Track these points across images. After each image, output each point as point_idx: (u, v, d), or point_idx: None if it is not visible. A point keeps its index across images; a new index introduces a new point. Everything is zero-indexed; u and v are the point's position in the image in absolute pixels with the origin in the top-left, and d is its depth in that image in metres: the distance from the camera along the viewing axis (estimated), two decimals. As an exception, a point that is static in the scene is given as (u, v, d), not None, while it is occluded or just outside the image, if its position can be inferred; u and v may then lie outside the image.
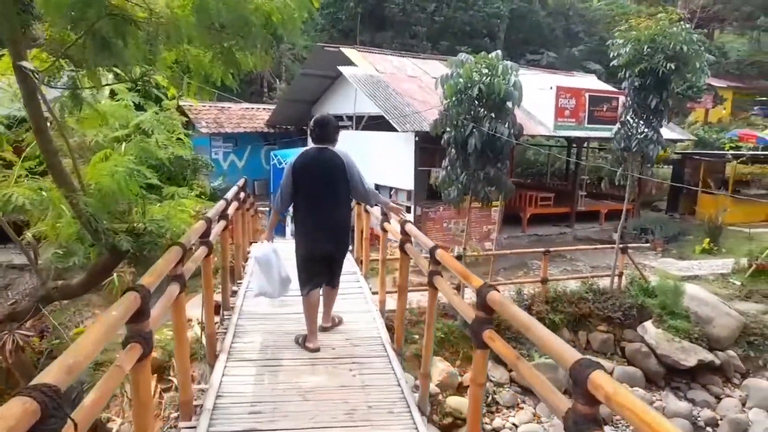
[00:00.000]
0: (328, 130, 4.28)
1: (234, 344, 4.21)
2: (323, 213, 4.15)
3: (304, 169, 4.13)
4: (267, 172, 17.54)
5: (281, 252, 4.64)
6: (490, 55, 9.01)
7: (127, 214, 4.11)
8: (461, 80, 8.98)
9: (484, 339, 2.41)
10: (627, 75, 10.50)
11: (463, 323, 10.07)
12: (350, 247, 5.62)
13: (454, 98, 9.23)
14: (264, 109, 19.48)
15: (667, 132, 14.96)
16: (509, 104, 9.18)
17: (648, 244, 15.57)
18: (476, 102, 9.12)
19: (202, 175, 15.62)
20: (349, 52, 14.66)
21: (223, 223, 4.45)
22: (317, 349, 4.20)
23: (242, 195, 5.78)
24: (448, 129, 9.45)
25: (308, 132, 4.50)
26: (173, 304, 2.89)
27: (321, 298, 4.41)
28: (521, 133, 9.44)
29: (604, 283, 11.60)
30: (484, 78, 8.89)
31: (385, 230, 5.22)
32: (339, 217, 4.26)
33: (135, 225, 3.92)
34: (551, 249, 11.22)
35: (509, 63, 9.01)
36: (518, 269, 13.62)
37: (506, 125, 9.00)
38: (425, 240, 3.73)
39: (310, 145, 4.42)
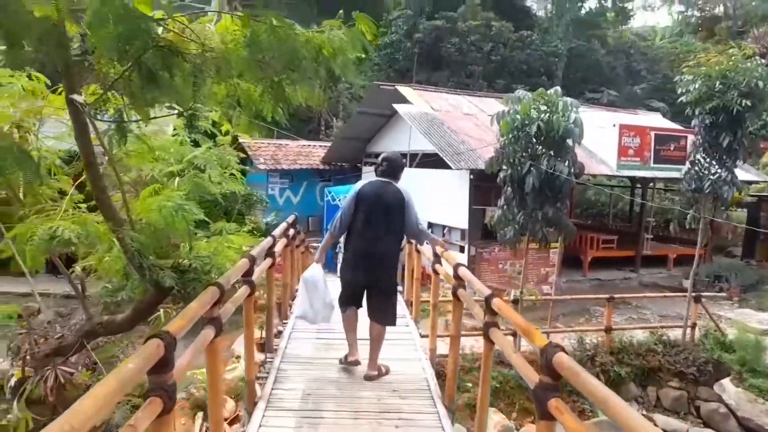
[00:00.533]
0: (394, 167, 4.55)
1: (274, 391, 3.98)
2: (373, 241, 4.26)
3: (367, 197, 4.34)
4: (321, 208, 17.63)
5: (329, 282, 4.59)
6: (549, 92, 8.70)
7: (174, 249, 4.03)
8: (518, 117, 8.69)
9: (549, 409, 2.07)
10: (697, 113, 9.92)
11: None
12: (399, 287, 5.45)
13: (510, 135, 8.93)
14: (320, 146, 19.76)
15: (741, 173, 14.02)
16: (569, 142, 8.79)
17: (723, 293, 14.44)
18: (534, 139, 8.78)
19: (258, 210, 15.87)
20: (404, 90, 14.70)
21: (269, 261, 4.33)
22: (357, 362, 4.37)
23: (291, 232, 5.64)
24: (504, 167, 9.12)
25: (375, 166, 4.64)
26: (208, 349, 2.71)
27: (369, 340, 4.37)
28: (582, 172, 8.99)
29: (674, 334, 10.74)
30: (543, 115, 8.57)
31: (436, 272, 4.94)
32: (387, 249, 4.34)
33: (180, 261, 3.82)
34: (616, 296, 10.50)
35: (569, 99, 8.67)
36: (578, 315, 12.87)
37: (566, 163, 8.59)
38: (480, 286, 3.46)
39: (374, 178, 4.60)
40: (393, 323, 4.44)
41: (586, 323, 12.54)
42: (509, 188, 8.97)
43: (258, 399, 3.79)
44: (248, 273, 3.50)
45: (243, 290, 3.49)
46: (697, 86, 9.75)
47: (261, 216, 11.09)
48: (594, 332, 10.57)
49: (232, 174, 6.21)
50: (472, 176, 11.96)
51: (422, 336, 5.64)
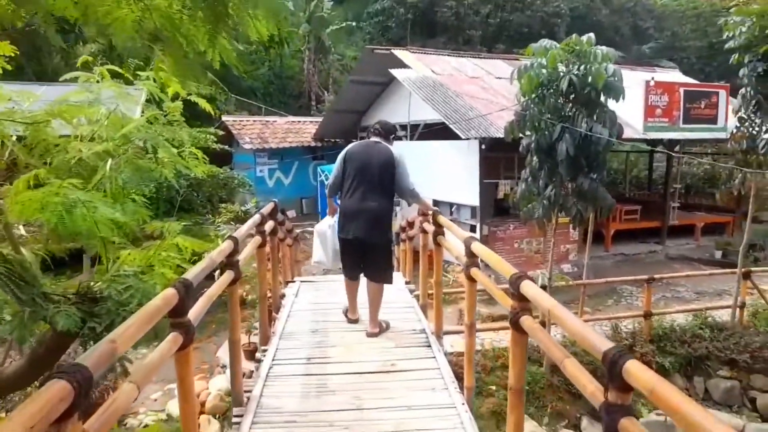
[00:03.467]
0: (386, 129, 4.64)
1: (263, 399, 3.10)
2: (363, 198, 4.25)
3: (356, 155, 4.40)
4: (315, 188, 16.22)
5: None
6: (582, 38, 7.24)
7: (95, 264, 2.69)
8: (544, 71, 7.26)
9: None
10: (746, 60, 8.49)
11: (550, 369, 8.24)
12: (393, 245, 5.27)
13: (534, 95, 7.51)
14: (311, 122, 18.28)
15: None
16: (604, 99, 7.38)
17: (755, 263, 13.19)
18: (565, 98, 7.37)
19: (248, 194, 14.46)
20: (401, 53, 13.17)
21: (257, 240, 3.72)
22: (357, 320, 4.57)
23: (269, 225, 4.29)
24: (527, 132, 7.72)
25: (368, 131, 4.69)
26: (177, 358, 2.21)
27: (367, 294, 4.41)
28: (621, 135, 7.59)
29: (719, 315, 9.48)
30: (575, 67, 7.14)
31: (438, 244, 4.37)
32: (377, 205, 4.28)
33: (91, 285, 2.50)
34: (656, 276, 9.18)
35: (605, 48, 7.21)
36: (606, 297, 11.61)
37: (604, 125, 7.19)
38: (503, 266, 2.68)
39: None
40: (389, 281, 4.44)
41: (614, 305, 11.30)
42: (535, 158, 7.58)
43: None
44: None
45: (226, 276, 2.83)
46: (747, 28, 8.29)
47: (249, 200, 9.56)
48: (630, 318, 9.29)
49: (193, 155, 4.78)
50: (483, 146, 10.53)
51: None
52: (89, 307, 2.42)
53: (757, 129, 8.50)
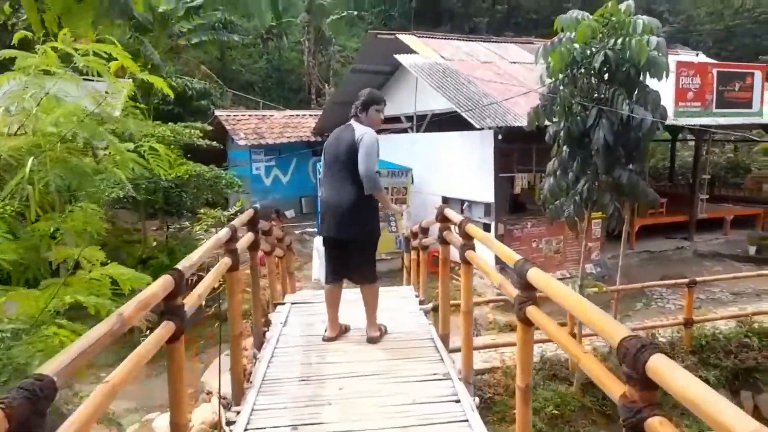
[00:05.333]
0: (364, 102, 3.97)
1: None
2: (335, 191, 3.87)
3: (328, 144, 4.06)
4: (315, 186, 15.23)
5: None
6: (620, 6, 6.22)
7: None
8: (576, 47, 6.24)
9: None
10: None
11: (581, 388, 7.27)
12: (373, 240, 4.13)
13: (563, 75, 6.50)
14: (310, 115, 17.29)
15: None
16: (645, 78, 6.37)
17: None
18: (599, 77, 6.36)
19: (243, 194, 13.49)
20: (407, 38, 12.15)
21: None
22: (332, 339, 4.00)
23: (245, 238, 3.32)
24: (555, 119, 6.71)
25: None
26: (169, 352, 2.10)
27: (361, 298, 3.97)
28: (665, 119, 6.57)
29: (764, 320, 8.48)
30: (611, 41, 6.12)
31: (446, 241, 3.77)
32: (350, 197, 3.78)
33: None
34: (698, 279, 8.18)
35: (646, 18, 6.20)
36: (634, 300, 10.59)
37: (647, 108, 6.18)
38: (505, 252, 2.57)
39: None
40: (371, 280, 3.96)
41: (644, 309, 10.29)
42: (565, 147, 6.57)
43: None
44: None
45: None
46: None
47: (234, 202, 8.52)
48: (669, 326, 8.31)
49: (154, 151, 3.77)
50: (500, 137, 9.51)
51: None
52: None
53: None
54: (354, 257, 3.88)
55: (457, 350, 3.63)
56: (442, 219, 3.71)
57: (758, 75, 11.51)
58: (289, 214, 16.51)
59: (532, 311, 2.25)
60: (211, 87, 18.81)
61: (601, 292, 7.35)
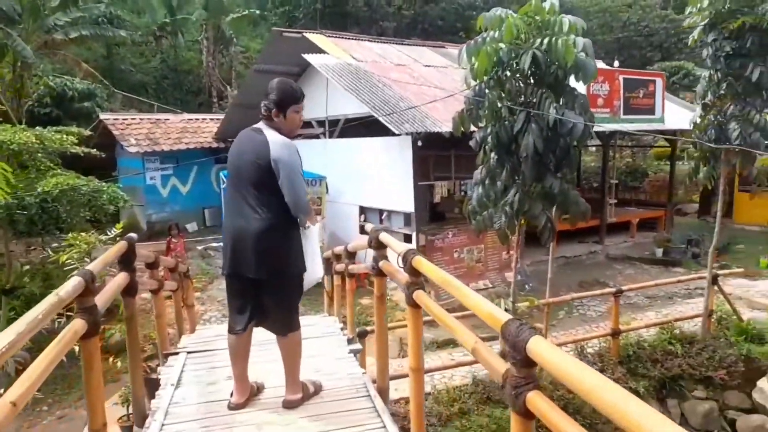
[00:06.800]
0: (277, 101, 3.04)
1: None
2: (239, 216, 2.99)
3: (231, 155, 3.15)
4: (218, 196, 13.96)
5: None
6: (544, 4, 5.82)
7: None
8: (503, 46, 5.75)
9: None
10: (710, 39, 7.52)
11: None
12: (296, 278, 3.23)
13: (488, 77, 6.01)
14: (211, 119, 15.96)
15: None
16: (571, 81, 6.04)
17: (694, 259, 12.73)
18: (526, 79, 5.93)
19: (135, 207, 12.01)
20: (315, 37, 11.34)
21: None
22: (241, 405, 3.07)
23: (105, 293, 2.38)
24: (481, 124, 6.22)
25: None
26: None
27: (280, 352, 3.12)
28: (593, 124, 6.28)
29: (683, 324, 8.55)
30: (538, 40, 5.70)
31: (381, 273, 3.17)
32: (259, 226, 2.90)
33: None
34: (624, 288, 8.05)
35: (571, 17, 5.84)
36: (556, 309, 10.46)
37: (576, 112, 5.82)
38: (396, 246, 2.83)
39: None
40: (295, 327, 3.12)
41: (567, 317, 10.17)
42: (493, 154, 6.07)
43: None
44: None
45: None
46: (709, 2, 7.33)
47: (121, 224, 7.15)
48: (596, 338, 8.13)
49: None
50: (420, 143, 8.94)
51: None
52: None
53: (724, 117, 7.55)
54: (268, 300, 3.01)
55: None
56: (377, 245, 2.97)
57: (659, 82, 11.91)
58: (191, 227, 15.08)
59: (419, 295, 2.53)
60: (96, 87, 16.89)
61: (533, 305, 6.97)
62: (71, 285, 1.95)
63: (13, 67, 14.34)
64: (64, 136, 7.60)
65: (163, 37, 22.94)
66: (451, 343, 8.66)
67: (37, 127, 8.16)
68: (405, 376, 6.26)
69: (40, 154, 7.24)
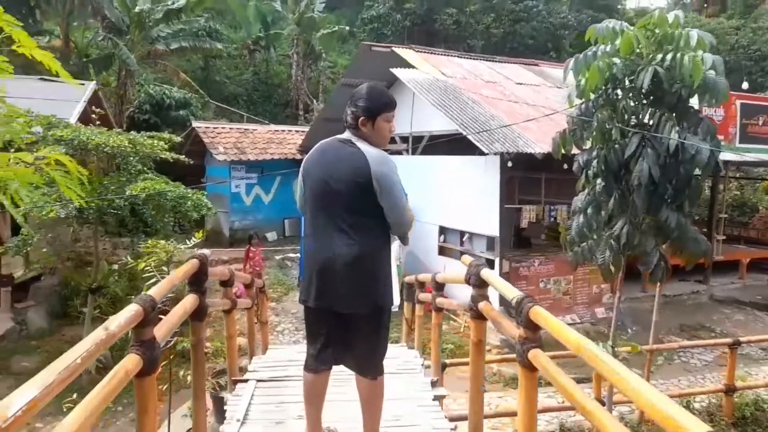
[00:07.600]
0: (366, 108, 2.61)
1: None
2: (325, 240, 2.56)
3: (313, 169, 2.67)
4: (299, 208, 14.01)
5: None
6: (668, 16, 5.18)
7: None
8: (617, 61, 5.16)
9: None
10: None
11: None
12: (393, 304, 2.85)
13: (596, 95, 5.43)
14: (297, 131, 16.15)
15: None
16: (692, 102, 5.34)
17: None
18: (642, 99, 5.29)
19: (216, 214, 12.23)
20: (404, 52, 11.11)
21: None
22: None
23: (164, 325, 2.10)
24: (585, 146, 5.62)
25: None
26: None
27: (359, 397, 2.70)
28: (720, 151, 5.52)
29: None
30: (659, 56, 5.06)
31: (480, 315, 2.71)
32: (350, 254, 2.50)
33: None
34: (743, 339, 7.08)
35: (698, 31, 5.16)
36: (654, 354, 9.46)
37: (700, 137, 5.11)
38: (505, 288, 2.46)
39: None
40: (381, 371, 2.66)
41: (667, 365, 9.14)
42: (599, 180, 5.45)
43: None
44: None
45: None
46: None
47: (201, 232, 7.15)
48: (707, 394, 7.17)
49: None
50: (510, 164, 8.39)
51: None
52: None
53: None
54: (355, 337, 2.62)
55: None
56: (478, 282, 2.52)
57: (785, 107, 10.65)
58: (271, 236, 15.24)
59: (536, 356, 2.07)
60: (192, 97, 17.61)
61: (635, 351, 6.21)
62: (125, 316, 1.66)
63: (118, 75, 15.22)
64: (155, 141, 7.78)
65: (256, 50, 23.76)
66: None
67: (132, 132, 8.42)
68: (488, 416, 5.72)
69: (132, 158, 7.42)
